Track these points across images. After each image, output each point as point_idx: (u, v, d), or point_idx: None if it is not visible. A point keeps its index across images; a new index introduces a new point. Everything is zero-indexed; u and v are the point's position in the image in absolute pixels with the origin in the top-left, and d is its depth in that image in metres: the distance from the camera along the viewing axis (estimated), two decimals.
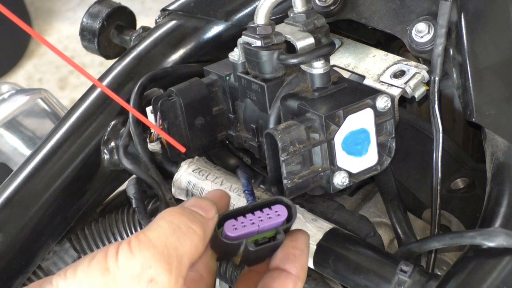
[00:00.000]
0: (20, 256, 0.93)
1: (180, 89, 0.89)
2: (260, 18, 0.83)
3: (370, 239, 0.87)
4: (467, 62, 0.83)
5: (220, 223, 0.69)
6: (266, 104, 0.84)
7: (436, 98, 0.84)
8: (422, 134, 0.95)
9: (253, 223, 0.69)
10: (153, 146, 0.92)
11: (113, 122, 0.98)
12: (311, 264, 0.82)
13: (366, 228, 0.87)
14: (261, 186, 0.93)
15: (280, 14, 0.94)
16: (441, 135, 0.84)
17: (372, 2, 0.91)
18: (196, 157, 0.93)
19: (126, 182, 0.98)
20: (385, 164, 0.82)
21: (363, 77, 0.90)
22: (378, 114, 0.80)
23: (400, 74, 0.88)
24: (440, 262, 0.89)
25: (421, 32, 0.86)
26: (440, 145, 0.83)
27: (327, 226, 0.84)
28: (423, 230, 0.93)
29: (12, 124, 1.37)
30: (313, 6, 0.90)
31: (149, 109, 0.91)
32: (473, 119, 0.83)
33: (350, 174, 0.79)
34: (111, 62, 1.07)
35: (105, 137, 0.98)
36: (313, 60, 0.81)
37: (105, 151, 0.98)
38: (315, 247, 0.81)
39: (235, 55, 0.87)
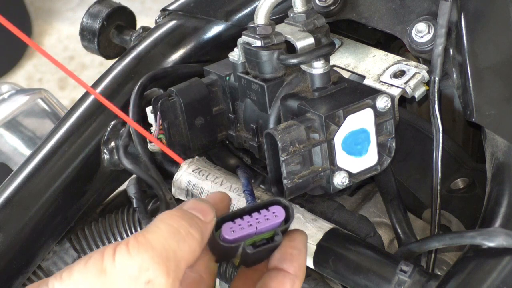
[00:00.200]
0: (20, 256, 0.93)
1: (180, 89, 0.89)
2: (260, 18, 0.83)
3: (370, 239, 0.87)
4: (467, 62, 0.83)
5: (218, 226, 0.69)
6: (266, 104, 0.84)
7: (436, 98, 0.84)
8: (422, 134, 0.95)
9: (250, 225, 0.69)
10: (153, 146, 0.93)
11: (113, 122, 0.98)
12: (311, 264, 0.82)
13: (366, 228, 0.87)
14: (261, 186, 0.93)
15: (280, 14, 0.94)
16: (441, 135, 0.84)
17: (372, 2, 0.91)
18: (196, 157, 0.93)
19: (126, 182, 0.98)
20: (385, 164, 0.82)
21: (363, 77, 0.90)
22: (378, 114, 0.80)
23: (400, 74, 0.88)
24: (440, 262, 0.89)
25: (421, 32, 0.86)
26: (440, 145, 0.83)
27: (327, 226, 0.84)
28: (423, 230, 0.93)
29: (12, 124, 1.37)
30: (313, 6, 0.90)
31: (149, 109, 0.91)
32: (473, 119, 0.83)
33: (350, 174, 0.79)
34: (111, 62, 1.07)
35: (105, 137, 0.98)
36: (313, 60, 0.81)
37: (105, 151, 0.97)
38: (315, 247, 0.81)
39: (235, 55, 0.87)
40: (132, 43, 1.07)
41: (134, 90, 0.95)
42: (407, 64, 0.88)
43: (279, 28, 0.85)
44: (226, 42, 1.01)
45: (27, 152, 1.34)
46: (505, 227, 0.78)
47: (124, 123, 0.98)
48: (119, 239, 1.02)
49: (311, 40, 0.83)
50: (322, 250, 0.81)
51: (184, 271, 0.64)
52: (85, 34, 1.10)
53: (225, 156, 0.96)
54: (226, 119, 0.91)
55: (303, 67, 0.83)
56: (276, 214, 0.70)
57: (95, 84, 1.02)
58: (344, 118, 0.77)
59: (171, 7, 1.07)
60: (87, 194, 0.98)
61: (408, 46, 0.88)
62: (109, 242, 1.02)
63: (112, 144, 0.97)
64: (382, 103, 0.79)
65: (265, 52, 0.83)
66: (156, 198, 1.02)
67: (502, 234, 0.74)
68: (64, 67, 0.69)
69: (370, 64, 0.91)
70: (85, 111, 0.99)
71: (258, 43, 0.83)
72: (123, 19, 1.11)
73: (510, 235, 0.74)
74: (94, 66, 3.07)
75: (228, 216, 0.69)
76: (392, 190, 0.89)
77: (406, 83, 0.87)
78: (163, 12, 1.08)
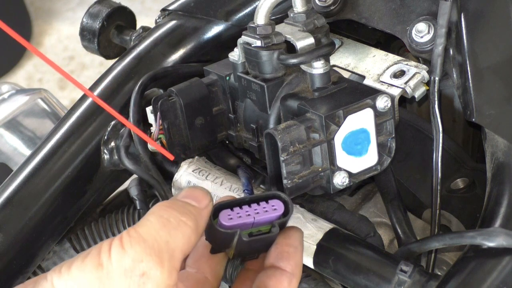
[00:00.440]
0: (20, 256, 0.93)
1: (180, 89, 0.89)
2: (260, 18, 0.83)
3: (370, 239, 0.87)
4: (467, 62, 0.83)
5: (216, 214, 0.69)
6: (266, 104, 0.84)
7: (436, 98, 0.84)
8: (422, 134, 0.95)
9: (248, 214, 0.69)
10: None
11: (113, 122, 0.98)
12: (311, 264, 0.82)
13: (366, 228, 0.87)
14: (261, 186, 0.93)
15: (280, 14, 0.94)
16: (441, 135, 0.84)
17: (372, 2, 0.91)
18: (196, 157, 0.93)
19: (127, 182, 0.98)
20: (385, 164, 0.82)
21: (363, 77, 0.90)
22: (378, 114, 0.80)
23: (400, 74, 0.88)
24: (440, 262, 0.89)
25: (421, 32, 0.86)
26: (440, 145, 0.83)
27: (327, 226, 0.84)
28: (423, 230, 0.93)
29: (12, 124, 1.37)
30: (313, 6, 0.90)
31: (149, 109, 0.91)
32: (473, 119, 0.83)
33: (350, 174, 0.79)
34: (111, 62, 1.07)
35: (105, 137, 0.98)
36: (313, 60, 0.81)
37: (105, 151, 0.97)
38: (315, 247, 0.81)
39: (235, 55, 0.87)
40: (132, 43, 1.07)
41: (134, 89, 0.95)
42: (407, 64, 0.88)
43: (279, 28, 0.85)
44: (226, 42, 1.01)
45: (27, 152, 1.34)
46: (505, 227, 0.78)
47: None
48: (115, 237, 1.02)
49: (311, 40, 0.83)
50: (322, 250, 0.81)
51: (182, 259, 0.64)
52: (85, 34, 1.10)
53: (225, 156, 0.96)
54: (226, 119, 0.91)
55: (303, 67, 0.83)
56: (275, 208, 0.70)
57: (95, 84, 1.02)
58: (344, 118, 0.77)
59: (171, 7, 1.07)
60: (87, 194, 0.98)
61: (408, 46, 0.88)
62: None
63: (112, 144, 0.97)
64: (382, 103, 0.79)
65: (265, 52, 0.83)
66: (157, 198, 1.02)
67: (502, 234, 0.74)
68: (62, 70, 0.69)
69: (370, 64, 0.91)
70: (85, 111, 0.99)
71: (258, 43, 0.83)
72: (123, 19, 1.11)
73: (510, 235, 0.74)
74: (94, 66, 3.08)
75: (226, 204, 0.70)
76: (392, 190, 0.89)
77: (406, 83, 0.87)
78: (163, 12, 1.08)
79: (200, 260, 0.74)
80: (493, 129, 0.83)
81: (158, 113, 0.88)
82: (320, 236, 0.82)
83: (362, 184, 0.97)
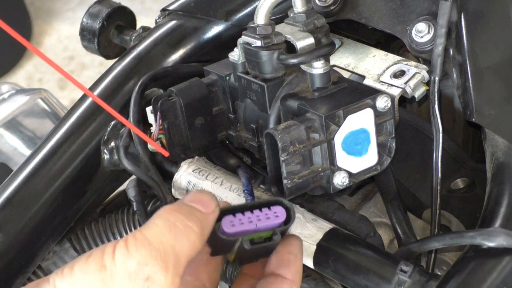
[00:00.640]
0: (20, 256, 0.93)
1: (180, 89, 0.89)
2: (260, 18, 0.83)
3: (370, 239, 0.87)
4: (467, 62, 0.83)
5: (218, 218, 0.69)
6: (266, 104, 0.84)
7: (436, 98, 0.84)
8: (422, 134, 0.95)
9: (251, 221, 0.69)
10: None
11: (113, 122, 0.98)
12: (311, 264, 0.82)
13: (366, 228, 0.87)
14: (261, 186, 0.93)
15: (280, 14, 0.94)
16: (441, 135, 0.84)
17: (372, 2, 0.91)
18: (196, 157, 0.93)
19: (126, 183, 0.98)
20: (385, 164, 0.82)
21: (363, 77, 0.90)
22: (378, 114, 0.80)
23: (400, 74, 0.88)
24: (440, 262, 0.89)
25: (421, 32, 0.86)
26: (440, 145, 0.83)
27: (327, 226, 0.84)
28: (423, 230, 0.93)
29: (12, 124, 1.37)
30: (313, 6, 0.90)
31: (149, 109, 0.91)
32: (473, 119, 0.83)
33: (350, 174, 0.79)
34: (111, 62, 1.07)
35: (105, 137, 0.98)
36: (313, 60, 0.81)
37: (105, 151, 0.97)
38: (315, 247, 0.81)
39: (235, 55, 0.87)
40: (132, 43, 1.07)
41: (134, 89, 0.95)
42: (407, 64, 0.88)
43: (279, 28, 0.85)
44: (226, 42, 1.01)
45: (27, 152, 1.34)
46: (505, 227, 0.78)
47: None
48: (119, 239, 1.02)
49: (311, 40, 0.83)
50: (322, 250, 0.81)
51: (186, 265, 0.64)
52: (85, 34, 1.10)
53: (225, 156, 0.96)
54: (226, 119, 0.91)
55: (303, 67, 0.83)
56: (277, 214, 0.70)
57: (95, 84, 1.02)
58: (344, 118, 0.77)
59: (171, 7, 1.07)
60: (87, 194, 0.98)
61: (408, 46, 0.88)
62: (109, 242, 1.02)
63: (112, 144, 0.97)
64: (382, 103, 0.79)
65: (265, 52, 0.83)
66: (156, 198, 1.02)
67: (502, 234, 0.74)
68: (62, 70, 0.69)
69: (370, 64, 0.91)
70: (85, 111, 0.99)
71: (258, 43, 0.83)
72: (123, 19, 1.11)
73: (510, 235, 0.74)
74: (94, 66, 3.08)
75: (228, 210, 0.69)
76: (392, 190, 0.89)
77: (406, 83, 0.87)
78: (163, 12, 1.08)
79: (198, 267, 0.74)
80: (493, 129, 0.83)
81: (158, 113, 0.88)
82: (320, 236, 0.82)
83: (362, 184, 0.97)
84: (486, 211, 0.81)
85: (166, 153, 0.84)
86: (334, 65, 0.93)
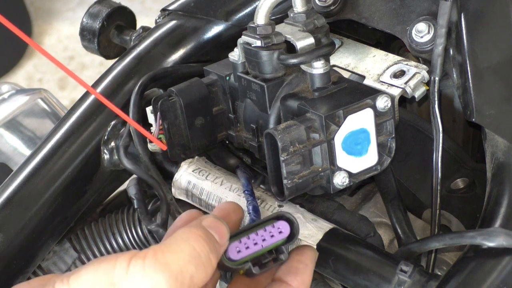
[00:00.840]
0: (20, 256, 0.93)
1: (180, 89, 0.89)
2: (260, 18, 0.83)
3: (370, 239, 0.87)
4: (467, 62, 0.83)
5: None
6: (266, 104, 0.84)
7: (436, 98, 0.84)
8: (422, 134, 0.95)
9: (256, 243, 0.69)
10: (153, 146, 0.92)
11: (113, 122, 0.98)
12: None
13: (366, 228, 0.87)
14: (261, 186, 0.93)
15: (280, 14, 0.94)
16: (441, 135, 0.84)
17: (372, 2, 0.91)
18: (196, 157, 0.93)
19: (127, 182, 0.98)
20: (385, 164, 0.82)
21: (363, 77, 0.90)
22: (378, 114, 0.80)
23: (400, 74, 0.88)
24: (440, 262, 0.89)
25: (421, 32, 0.86)
26: (440, 145, 0.83)
27: (327, 226, 0.84)
28: (423, 230, 0.93)
29: (12, 124, 1.37)
30: (313, 6, 0.90)
31: (149, 109, 0.91)
32: (473, 119, 0.83)
33: (350, 174, 0.79)
34: (111, 62, 1.07)
35: (105, 137, 0.98)
36: (313, 60, 0.81)
37: (105, 151, 0.97)
38: (315, 247, 0.81)
39: (235, 55, 0.87)
40: (132, 43, 1.07)
41: (134, 90, 0.95)
42: (407, 64, 0.88)
43: (279, 28, 0.85)
44: (226, 42, 1.01)
45: (27, 152, 1.34)
46: (505, 227, 0.78)
47: (124, 123, 0.98)
48: (119, 239, 1.02)
49: (311, 40, 0.83)
50: (322, 250, 0.81)
51: None
52: (85, 34, 1.10)
53: (225, 156, 0.96)
54: (226, 119, 0.91)
55: (303, 67, 0.83)
56: (280, 230, 0.70)
57: (95, 84, 1.02)
58: (344, 118, 0.77)
59: (171, 7, 1.07)
60: (87, 194, 0.98)
61: (408, 46, 0.88)
62: (109, 242, 1.02)
63: (112, 144, 0.97)
64: (382, 103, 0.79)
65: (265, 52, 0.83)
66: (157, 198, 1.02)
67: (502, 234, 0.74)
68: (64, 67, 0.69)
69: (370, 64, 0.91)
70: (85, 111, 0.99)
71: (258, 43, 0.83)
72: (123, 19, 1.11)
73: (510, 235, 0.74)
74: (94, 66, 3.08)
75: (233, 235, 0.69)
76: (392, 190, 0.89)
77: (406, 83, 0.87)
78: (163, 12, 1.08)
79: None
80: (493, 129, 0.83)
81: (158, 113, 0.88)
82: (320, 236, 0.82)
83: (362, 184, 0.97)
84: (486, 211, 0.81)
85: (164, 147, 0.84)
86: (334, 65, 0.93)
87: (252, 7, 1.02)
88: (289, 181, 0.78)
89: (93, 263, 0.61)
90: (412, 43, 0.87)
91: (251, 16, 0.89)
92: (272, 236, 0.70)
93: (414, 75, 0.87)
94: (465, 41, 0.83)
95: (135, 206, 0.93)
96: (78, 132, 0.98)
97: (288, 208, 0.86)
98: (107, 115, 0.98)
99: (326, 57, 0.82)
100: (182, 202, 0.93)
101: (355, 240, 0.83)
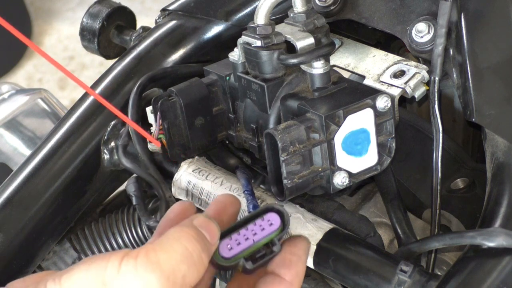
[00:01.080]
0: (20, 256, 0.93)
1: (180, 89, 0.89)
2: (260, 18, 0.83)
3: (370, 239, 0.87)
4: (467, 62, 0.83)
5: None
6: (266, 104, 0.84)
7: (436, 98, 0.84)
8: (422, 134, 0.95)
9: (247, 238, 0.69)
10: (153, 146, 0.92)
11: (113, 122, 0.98)
12: (311, 264, 0.82)
13: (366, 228, 0.87)
14: (261, 186, 0.93)
15: (280, 14, 0.94)
16: (441, 135, 0.84)
17: (372, 2, 0.91)
18: (196, 157, 0.93)
19: (127, 182, 0.98)
20: (385, 164, 0.82)
21: (363, 77, 0.90)
22: (378, 114, 0.80)
23: (400, 74, 0.88)
24: (440, 262, 0.89)
25: (421, 32, 0.86)
26: (440, 145, 0.83)
27: (327, 226, 0.84)
28: (423, 230, 0.93)
29: (12, 124, 1.37)
30: (313, 6, 0.90)
31: (149, 109, 0.91)
32: (473, 119, 0.83)
33: (350, 174, 0.79)
34: (111, 62, 1.07)
35: (105, 137, 0.98)
36: (313, 60, 0.81)
37: (105, 151, 0.98)
38: (315, 247, 0.81)
39: (235, 55, 0.87)
40: (132, 43, 1.07)
41: (133, 90, 0.95)
42: (407, 64, 0.88)
43: (279, 28, 0.85)
44: (226, 42, 1.01)
45: (27, 152, 1.34)
46: (505, 227, 0.78)
47: (124, 123, 0.98)
48: (119, 239, 1.02)
49: (311, 40, 0.83)
50: (322, 250, 0.81)
51: None
52: (85, 34, 1.10)
53: (225, 156, 0.96)
54: (226, 119, 0.91)
55: (303, 67, 0.83)
56: (271, 222, 0.70)
57: (95, 84, 1.02)
58: (344, 118, 0.77)
59: (171, 7, 1.07)
60: (87, 194, 0.98)
61: (408, 46, 0.88)
62: (109, 242, 1.02)
63: (112, 144, 0.97)
64: (382, 103, 0.79)
65: (265, 52, 0.83)
66: (156, 197, 1.02)
67: (502, 234, 0.74)
68: (63, 68, 0.69)
69: (370, 64, 0.91)
70: (85, 111, 0.99)
71: (258, 43, 0.83)
72: (123, 19, 1.11)
73: (510, 235, 0.74)
74: (94, 66, 3.08)
75: (224, 232, 0.69)
76: (392, 190, 0.89)
77: (406, 83, 0.87)
78: (163, 12, 1.08)
79: None
80: (493, 129, 0.83)
81: (158, 113, 0.88)
82: (320, 236, 0.82)
83: (362, 184, 0.97)
84: (486, 211, 0.81)
85: (158, 144, 0.84)
86: (334, 65, 0.93)
87: (252, 7, 1.02)
88: (289, 181, 0.78)
89: (85, 262, 0.60)
90: (412, 43, 0.87)
91: (251, 16, 0.89)
92: (263, 229, 0.69)
93: (414, 75, 0.87)
94: (465, 41, 0.83)
95: (134, 203, 0.93)
96: (78, 132, 0.98)
97: (288, 208, 0.86)
98: (107, 115, 0.98)
99: (326, 57, 0.82)
100: (181, 201, 0.93)
101: (355, 240, 0.83)
